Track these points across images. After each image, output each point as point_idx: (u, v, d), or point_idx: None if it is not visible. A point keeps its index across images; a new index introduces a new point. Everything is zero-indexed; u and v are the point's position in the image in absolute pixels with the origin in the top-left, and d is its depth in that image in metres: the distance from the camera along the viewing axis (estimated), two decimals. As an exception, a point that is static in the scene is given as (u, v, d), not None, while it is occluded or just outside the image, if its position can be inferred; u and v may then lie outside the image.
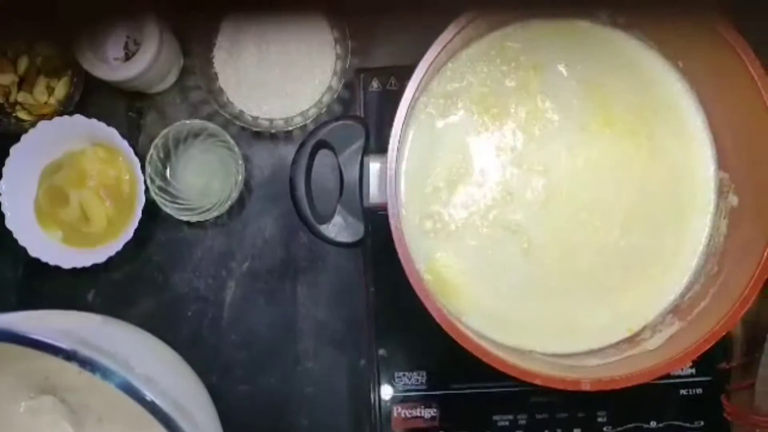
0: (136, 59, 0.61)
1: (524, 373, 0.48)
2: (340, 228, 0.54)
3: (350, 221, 0.53)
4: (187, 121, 0.64)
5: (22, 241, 0.63)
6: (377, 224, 0.51)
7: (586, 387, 0.49)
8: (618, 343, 0.55)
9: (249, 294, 0.68)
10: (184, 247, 0.68)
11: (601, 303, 0.56)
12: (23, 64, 0.66)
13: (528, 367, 0.48)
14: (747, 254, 0.51)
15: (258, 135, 0.68)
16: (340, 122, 0.54)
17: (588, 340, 0.55)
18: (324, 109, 0.65)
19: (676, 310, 0.55)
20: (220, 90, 0.66)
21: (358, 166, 0.53)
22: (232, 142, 0.64)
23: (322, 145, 0.54)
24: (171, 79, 0.68)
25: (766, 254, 0.49)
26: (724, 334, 0.49)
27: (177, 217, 0.65)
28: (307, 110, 0.66)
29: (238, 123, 0.65)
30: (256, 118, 0.66)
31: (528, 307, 0.55)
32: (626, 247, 0.56)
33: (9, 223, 0.63)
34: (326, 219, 0.54)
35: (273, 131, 0.66)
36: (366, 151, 0.53)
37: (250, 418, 0.67)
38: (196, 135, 0.66)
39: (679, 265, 0.56)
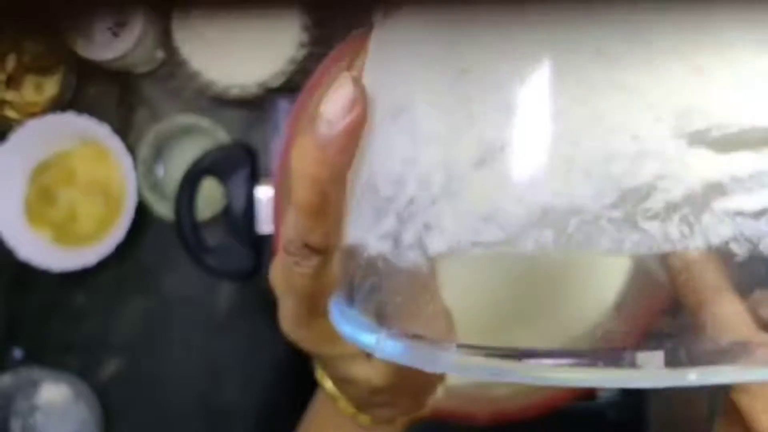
0: (124, 35, 0.60)
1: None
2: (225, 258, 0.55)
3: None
4: (179, 117, 0.63)
5: (10, 243, 0.62)
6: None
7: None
8: None
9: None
10: (177, 248, 0.67)
11: None
12: (11, 62, 0.65)
13: None
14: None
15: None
16: (224, 152, 0.56)
17: None
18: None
19: None
20: (177, 50, 0.62)
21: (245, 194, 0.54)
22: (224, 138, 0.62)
23: (207, 172, 0.55)
24: (159, 55, 0.65)
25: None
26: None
27: (169, 216, 0.63)
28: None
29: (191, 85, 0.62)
30: (210, 82, 0.61)
31: None
32: None
33: (-3, 225, 0.62)
34: (213, 250, 0.55)
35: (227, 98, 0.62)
36: (255, 176, 0.54)
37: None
38: (188, 131, 0.65)
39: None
